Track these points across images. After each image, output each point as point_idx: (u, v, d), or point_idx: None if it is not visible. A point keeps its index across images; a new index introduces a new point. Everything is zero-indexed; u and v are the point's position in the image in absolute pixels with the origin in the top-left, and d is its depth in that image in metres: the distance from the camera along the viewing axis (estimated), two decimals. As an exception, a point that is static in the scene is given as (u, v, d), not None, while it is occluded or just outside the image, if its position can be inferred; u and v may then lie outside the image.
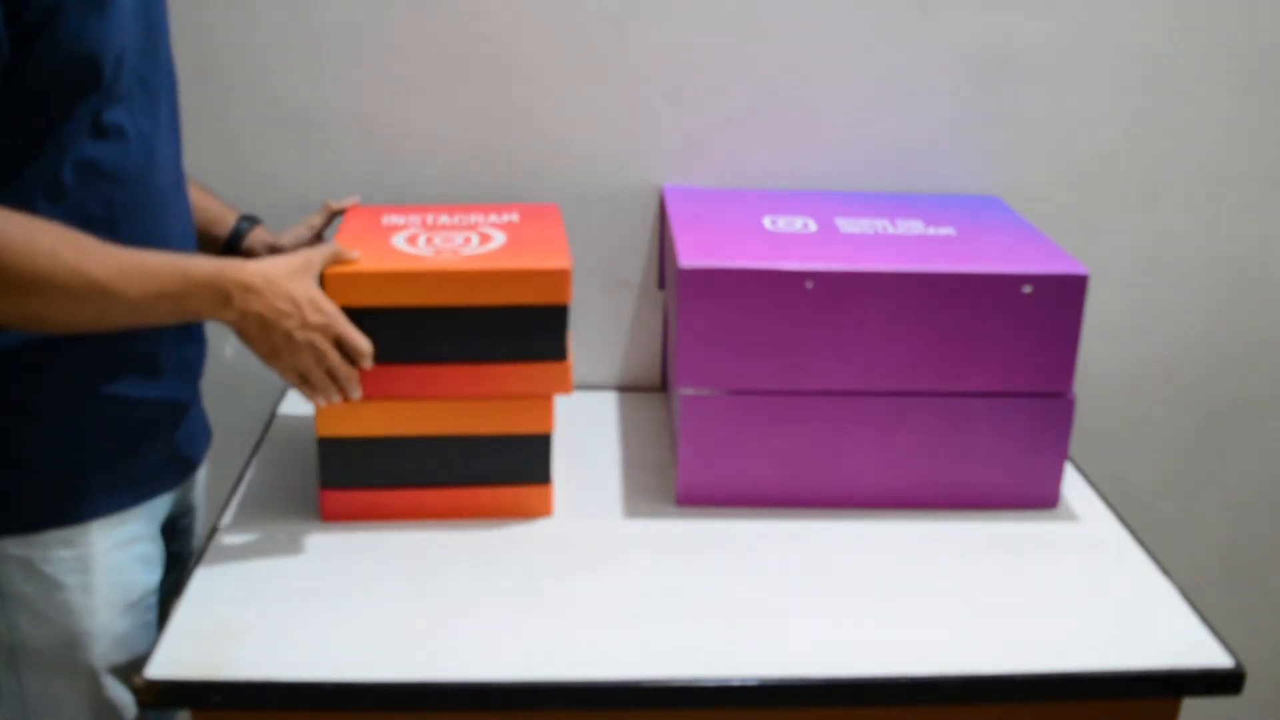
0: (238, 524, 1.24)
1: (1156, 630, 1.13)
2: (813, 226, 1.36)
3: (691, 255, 1.24)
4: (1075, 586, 1.19)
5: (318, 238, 1.35)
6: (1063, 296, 1.24)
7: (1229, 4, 1.50)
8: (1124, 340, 1.65)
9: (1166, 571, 1.22)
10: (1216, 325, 1.66)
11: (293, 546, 1.21)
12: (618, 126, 1.50)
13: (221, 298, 1.04)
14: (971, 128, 1.54)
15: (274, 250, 1.31)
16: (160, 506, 1.16)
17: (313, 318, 1.09)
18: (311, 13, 1.43)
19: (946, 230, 1.36)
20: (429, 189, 1.51)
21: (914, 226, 1.37)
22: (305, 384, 1.12)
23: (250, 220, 1.32)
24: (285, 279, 1.08)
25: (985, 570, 1.21)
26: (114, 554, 1.09)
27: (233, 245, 1.30)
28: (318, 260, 1.14)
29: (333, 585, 1.15)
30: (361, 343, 1.12)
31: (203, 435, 1.23)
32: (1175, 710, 1.12)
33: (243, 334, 1.08)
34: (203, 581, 1.14)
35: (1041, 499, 1.32)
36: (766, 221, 1.37)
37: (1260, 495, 1.76)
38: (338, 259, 1.17)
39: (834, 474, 1.29)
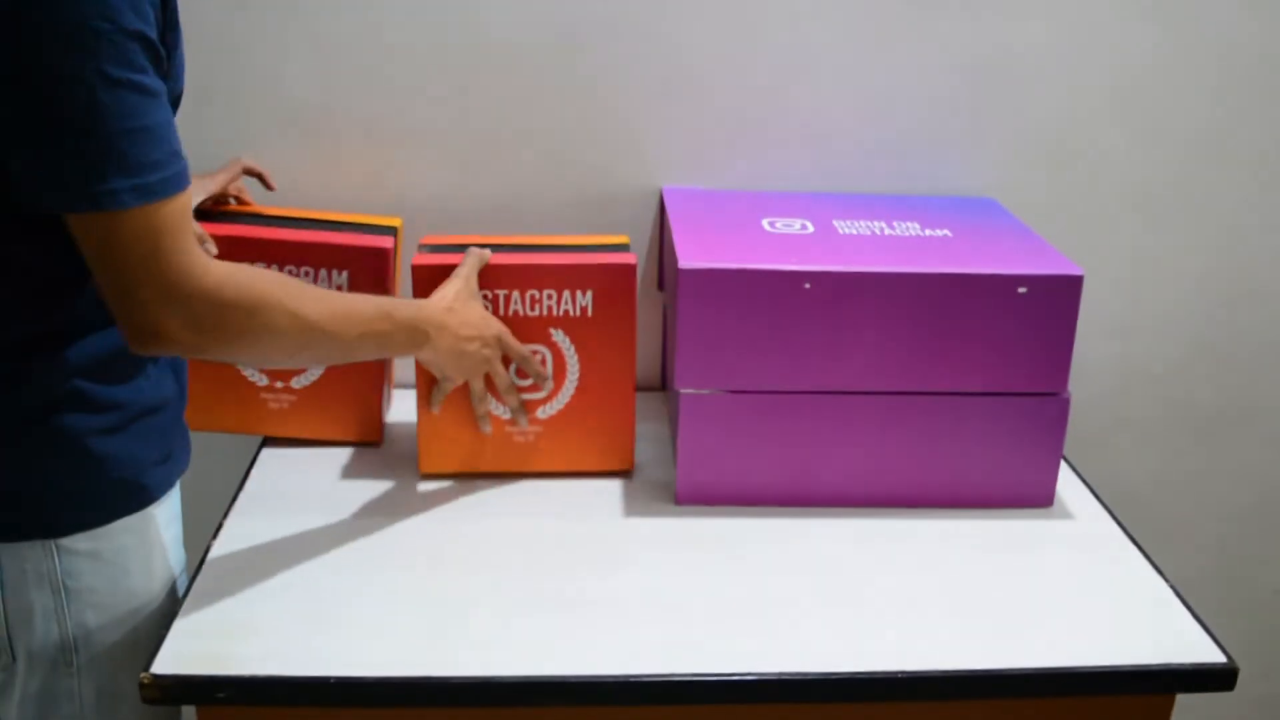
0: (243, 521, 1.25)
1: (1150, 627, 1.14)
2: (810, 228, 1.37)
3: (691, 256, 1.25)
4: (1070, 584, 1.20)
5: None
6: (1058, 297, 1.25)
7: (1223, 7, 1.51)
8: (1118, 341, 1.66)
9: (1160, 569, 1.23)
10: (1210, 326, 1.67)
11: (297, 544, 1.22)
12: (618, 129, 1.51)
13: (419, 339, 1.18)
14: (967, 131, 1.55)
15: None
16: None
17: (489, 334, 1.26)
18: (316, 18, 1.44)
19: (943, 232, 1.37)
20: (430, 191, 1.51)
21: (911, 228, 1.38)
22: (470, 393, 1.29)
23: None
24: (463, 307, 1.24)
25: (981, 568, 1.22)
26: (166, 531, 1.13)
27: None
28: (474, 275, 1.28)
29: (337, 582, 1.16)
30: (524, 351, 1.29)
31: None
32: (1169, 707, 1.13)
33: (433, 361, 1.23)
34: (208, 578, 1.15)
35: (1037, 498, 1.33)
36: (765, 223, 1.38)
37: (1253, 494, 1.77)
38: (482, 262, 1.29)
39: (832, 473, 1.30)
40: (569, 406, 1.35)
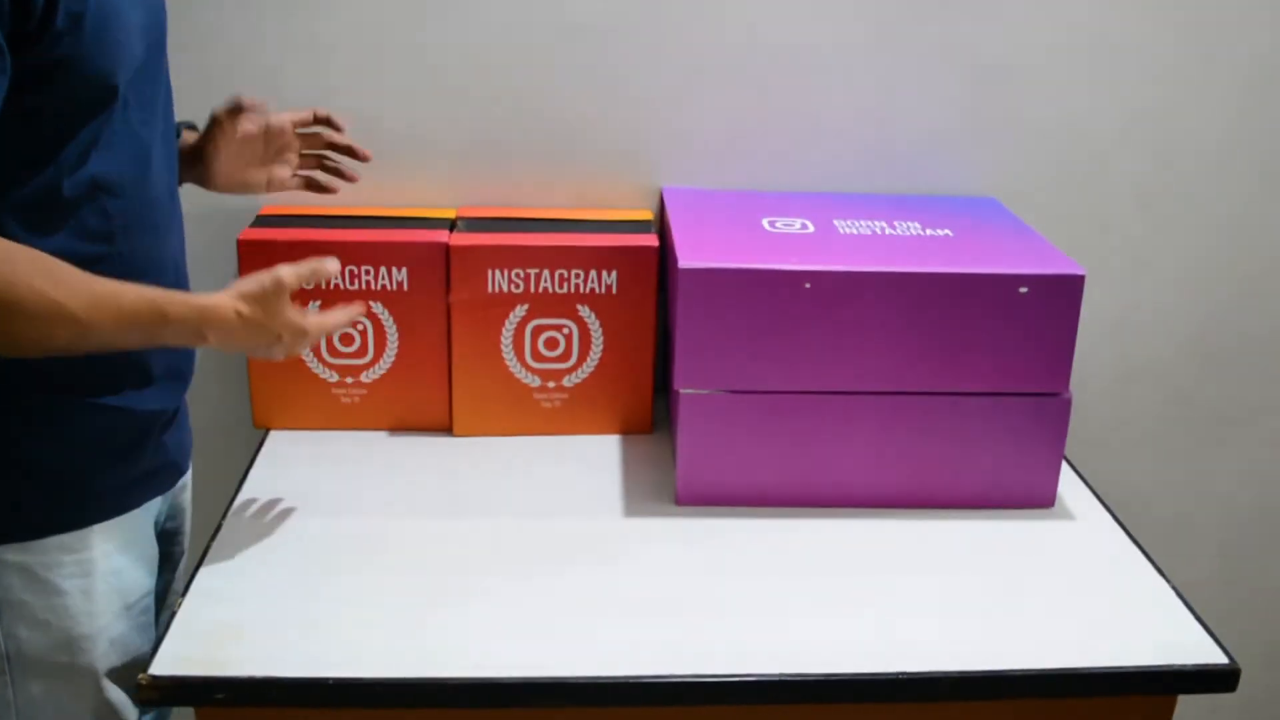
0: (240, 522, 1.25)
1: (1152, 628, 1.14)
2: (810, 227, 1.36)
3: (690, 256, 1.25)
4: (1071, 585, 1.20)
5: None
6: (1059, 297, 1.24)
7: (1222, 7, 1.51)
8: (1119, 341, 1.66)
9: (1161, 570, 1.23)
10: (1210, 326, 1.67)
11: (296, 544, 1.21)
12: (618, 129, 1.51)
13: (196, 336, 1.04)
14: (967, 130, 1.55)
15: (204, 150, 1.26)
16: (154, 508, 1.16)
17: (288, 337, 1.09)
18: (316, 18, 1.44)
19: (943, 232, 1.37)
20: (431, 192, 1.51)
21: (911, 228, 1.38)
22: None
23: (189, 126, 1.28)
24: (261, 312, 1.07)
25: (982, 569, 1.22)
26: (113, 557, 1.09)
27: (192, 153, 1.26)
28: (291, 280, 1.09)
29: (334, 583, 1.16)
30: (335, 321, 1.13)
31: (188, 439, 1.23)
32: (1170, 707, 1.13)
33: (224, 349, 1.09)
34: (206, 580, 1.15)
35: (1038, 498, 1.32)
36: (765, 223, 1.37)
37: (1254, 493, 1.77)
38: (317, 276, 1.11)
39: (832, 473, 1.30)
40: (593, 375, 1.44)
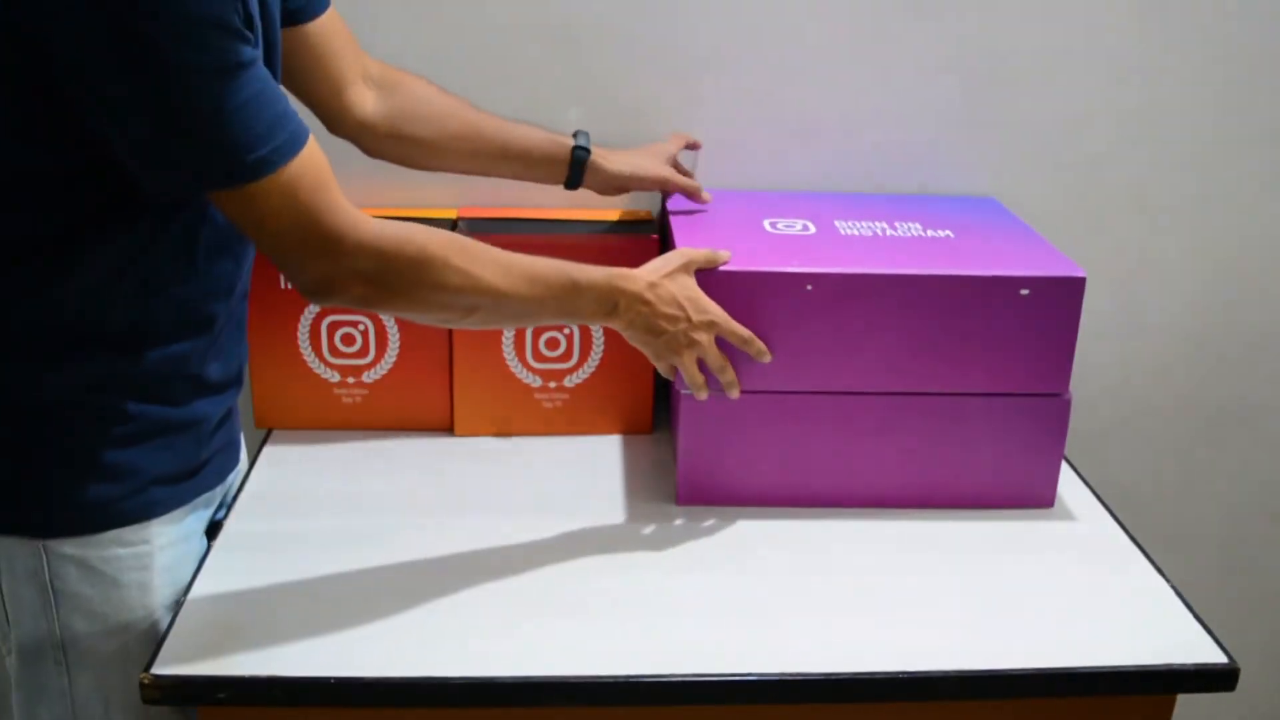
0: (243, 521, 1.25)
1: (1151, 627, 1.14)
2: (812, 228, 1.37)
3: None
4: (1071, 584, 1.20)
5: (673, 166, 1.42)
6: (1060, 299, 1.25)
7: (1221, 7, 1.51)
8: (1118, 341, 1.66)
9: (1161, 569, 1.23)
10: (1210, 325, 1.67)
11: (298, 544, 1.22)
12: (618, 129, 1.51)
13: (608, 307, 1.14)
14: (966, 131, 1.55)
15: (614, 178, 1.37)
16: (212, 500, 1.18)
17: (697, 318, 1.18)
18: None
19: (944, 233, 1.37)
20: (431, 192, 1.51)
21: (912, 228, 1.38)
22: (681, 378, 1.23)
23: (584, 150, 1.35)
24: (670, 282, 1.17)
25: (982, 568, 1.22)
26: (170, 550, 1.10)
27: (576, 170, 1.35)
28: (699, 259, 1.21)
29: (335, 583, 1.16)
30: (745, 334, 1.21)
31: (239, 433, 1.25)
32: (1170, 706, 1.13)
33: (629, 336, 1.18)
34: (208, 578, 1.15)
35: (1038, 499, 1.33)
36: (766, 223, 1.37)
37: (1254, 493, 1.77)
38: (714, 260, 1.22)
39: (833, 473, 1.30)
40: (594, 375, 1.44)
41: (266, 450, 1.41)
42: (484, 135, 1.33)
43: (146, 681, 1.01)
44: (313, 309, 1.41)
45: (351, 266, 1.00)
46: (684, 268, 1.19)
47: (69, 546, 1.04)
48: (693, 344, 1.19)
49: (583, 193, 1.49)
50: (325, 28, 1.24)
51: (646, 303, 1.15)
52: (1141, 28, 1.52)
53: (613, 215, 1.48)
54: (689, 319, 1.18)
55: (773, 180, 1.54)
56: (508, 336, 1.42)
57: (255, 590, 1.14)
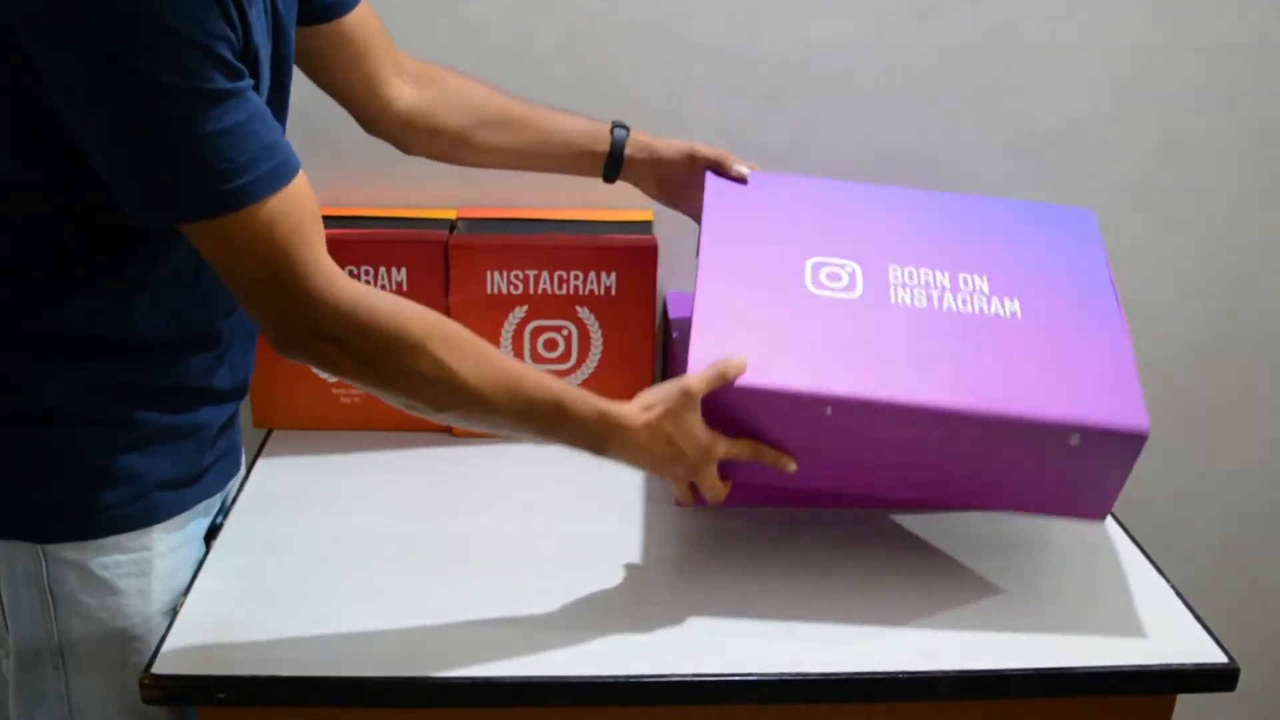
0: (243, 521, 1.25)
1: (1152, 627, 1.14)
2: (858, 286, 1.18)
3: (704, 355, 1.09)
4: (1071, 584, 1.20)
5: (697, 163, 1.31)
6: (1115, 451, 1.09)
7: (1223, 6, 1.51)
8: (1119, 341, 1.66)
9: (1160, 569, 1.23)
10: (1210, 325, 1.67)
11: (298, 543, 1.22)
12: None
13: (596, 443, 1.06)
14: (967, 129, 1.55)
15: (656, 162, 1.31)
16: (211, 506, 1.18)
17: (695, 456, 1.08)
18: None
19: (1012, 306, 1.17)
20: (431, 192, 1.51)
21: (977, 292, 1.19)
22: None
23: (623, 128, 1.31)
24: (667, 422, 1.06)
25: (982, 568, 1.22)
26: (169, 557, 1.10)
27: (615, 158, 1.30)
28: (699, 391, 1.06)
29: (337, 582, 1.16)
30: (753, 451, 1.10)
31: (240, 436, 1.24)
32: (1170, 706, 1.13)
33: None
34: (207, 579, 1.15)
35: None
36: (808, 272, 1.18)
37: (1254, 493, 1.77)
38: (723, 379, 1.07)
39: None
40: (593, 376, 1.44)
41: (266, 450, 1.41)
42: (524, 125, 1.29)
43: (146, 681, 1.01)
44: None
45: (319, 328, 0.95)
46: (684, 404, 1.06)
47: (68, 551, 1.04)
48: (694, 471, 1.10)
49: (582, 192, 1.49)
50: (359, 22, 1.22)
51: (640, 446, 1.06)
52: (1141, 26, 1.52)
53: (613, 215, 1.48)
54: (686, 457, 1.08)
55: (781, 159, 1.52)
56: (507, 337, 1.42)
57: (255, 590, 1.14)
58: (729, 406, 1.09)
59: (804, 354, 1.11)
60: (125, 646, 1.08)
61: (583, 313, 1.42)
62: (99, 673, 1.08)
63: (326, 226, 1.39)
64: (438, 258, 1.39)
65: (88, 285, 1.00)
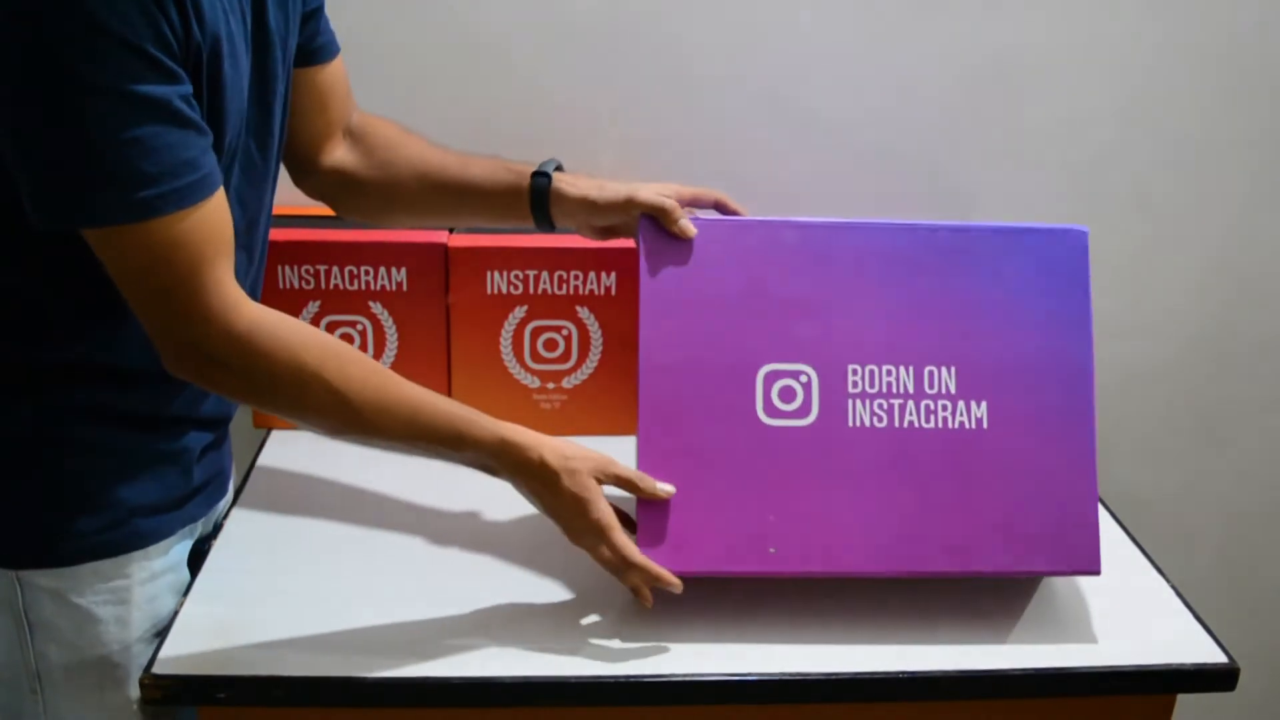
0: (241, 522, 1.25)
1: (1151, 627, 1.14)
2: (814, 403, 1.11)
3: (652, 536, 1.09)
4: (1071, 584, 1.20)
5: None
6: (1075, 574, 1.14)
7: (1223, 6, 1.51)
8: (1118, 341, 1.65)
9: (1160, 569, 1.23)
10: (1210, 326, 1.67)
11: (298, 543, 1.22)
12: (618, 130, 1.51)
13: (486, 466, 1.05)
14: (967, 130, 1.55)
15: (589, 207, 1.17)
16: (194, 531, 1.15)
17: (580, 525, 1.06)
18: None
19: (978, 412, 1.11)
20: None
21: (942, 398, 1.11)
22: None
23: (544, 175, 1.18)
24: (568, 477, 1.03)
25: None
26: (150, 585, 1.07)
27: (539, 206, 1.19)
28: (622, 477, 1.06)
29: (337, 582, 1.16)
30: (639, 562, 1.05)
31: (229, 460, 1.22)
32: (1170, 706, 1.13)
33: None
34: (207, 579, 1.15)
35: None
36: (759, 394, 1.11)
37: (1254, 494, 1.77)
38: (637, 489, 1.07)
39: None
40: (593, 377, 1.44)
41: (266, 450, 1.41)
42: (444, 174, 1.21)
43: (146, 682, 1.01)
44: (311, 308, 1.41)
45: (210, 352, 0.93)
46: (598, 474, 1.05)
47: (43, 578, 1.01)
48: (581, 538, 1.07)
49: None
50: (333, 74, 1.21)
51: (527, 477, 1.04)
52: (1141, 26, 1.52)
53: None
54: (572, 521, 1.06)
55: (773, 178, 1.53)
56: (506, 337, 1.42)
57: (255, 590, 1.14)
58: (678, 542, 1.09)
59: (744, 517, 1.09)
60: (104, 674, 1.05)
61: (583, 313, 1.42)
62: (78, 698, 1.06)
63: (327, 227, 1.41)
64: (438, 258, 1.39)
65: (67, 307, 0.98)
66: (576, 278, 1.40)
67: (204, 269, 0.91)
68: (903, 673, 1.06)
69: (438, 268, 1.39)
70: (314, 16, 1.16)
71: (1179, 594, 1.19)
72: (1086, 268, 1.15)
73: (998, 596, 1.17)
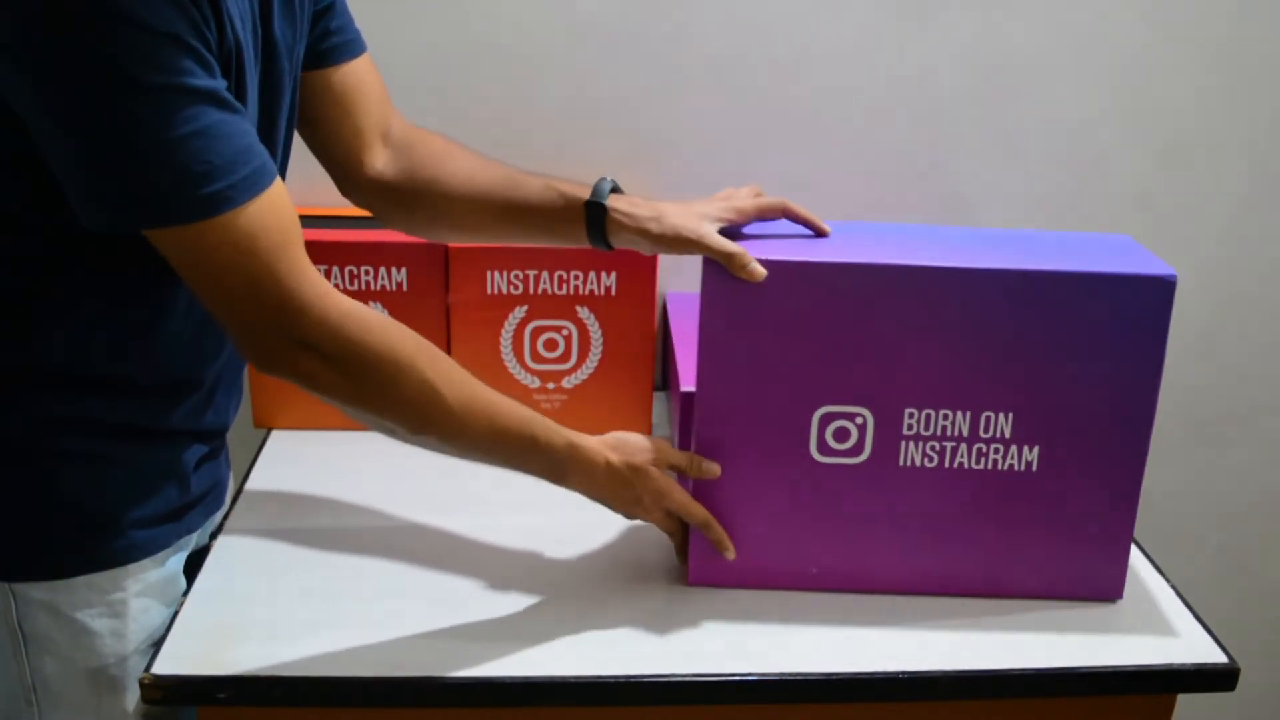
0: (241, 522, 1.25)
1: (1152, 627, 1.14)
2: (868, 443, 1.10)
3: (702, 568, 1.15)
4: (1071, 584, 1.20)
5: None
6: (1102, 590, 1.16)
7: (1223, 7, 1.51)
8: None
9: (1161, 569, 1.23)
10: (1210, 325, 1.67)
11: (298, 543, 1.22)
12: (619, 131, 1.51)
13: (557, 469, 1.07)
14: (966, 131, 1.55)
15: (645, 236, 1.11)
16: (189, 543, 1.13)
17: (650, 502, 1.11)
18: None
19: (1029, 456, 1.10)
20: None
21: (995, 443, 1.10)
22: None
23: (598, 205, 1.12)
24: (630, 471, 1.08)
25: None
26: (145, 597, 1.06)
27: (597, 231, 1.14)
28: (668, 452, 1.11)
29: (337, 582, 1.16)
30: (703, 518, 1.11)
31: (227, 471, 1.21)
32: (1170, 706, 1.13)
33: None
34: (207, 579, 1.15)
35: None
36: (814, 435, 1.10)
37: (1253, 495, 1.78)
38: (694, 470, 1.11)
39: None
40: (593, 377, 1.45)
41: (266, 450, 1.41)
42: (491, 197, 1.17)
43: (147, 681, 1.01)
44: None
45: (307, 341, 0.90)
46: (655, 462, 1.10)
47: (37, 591, 1.00)
48: (649, 514, 1.12)
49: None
50: (357, 74, 1.16)
51: (595, 478, 1.08)
52: (1142, 27, 1.52)
53: None
54: (641, 502, 1.11)
55: (779, 178, 1.52)
56: (507, 337, 1.42)
57: (255, 590, 1.14)
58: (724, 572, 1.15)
59: (791, 544, 1.14)
60: (100, 686, 1.05)
61: (583, 313, 1.42)
62: (75, 709, 1.05)
63: (328, 227, 1.41)
64: (438, 258, 1.39)
65: (53, 324, 0.96)
66: (576, 278, 1.41)
67: (286, 255, 0.89)
68: (903, 673, 1.06)
69: (438, 268, 1.39)
70: (324, 16, 1.13)
71: (1179, 594, 1.19)
72: (1168, 317, 1.09)
73: (997, 596, 1.17)
